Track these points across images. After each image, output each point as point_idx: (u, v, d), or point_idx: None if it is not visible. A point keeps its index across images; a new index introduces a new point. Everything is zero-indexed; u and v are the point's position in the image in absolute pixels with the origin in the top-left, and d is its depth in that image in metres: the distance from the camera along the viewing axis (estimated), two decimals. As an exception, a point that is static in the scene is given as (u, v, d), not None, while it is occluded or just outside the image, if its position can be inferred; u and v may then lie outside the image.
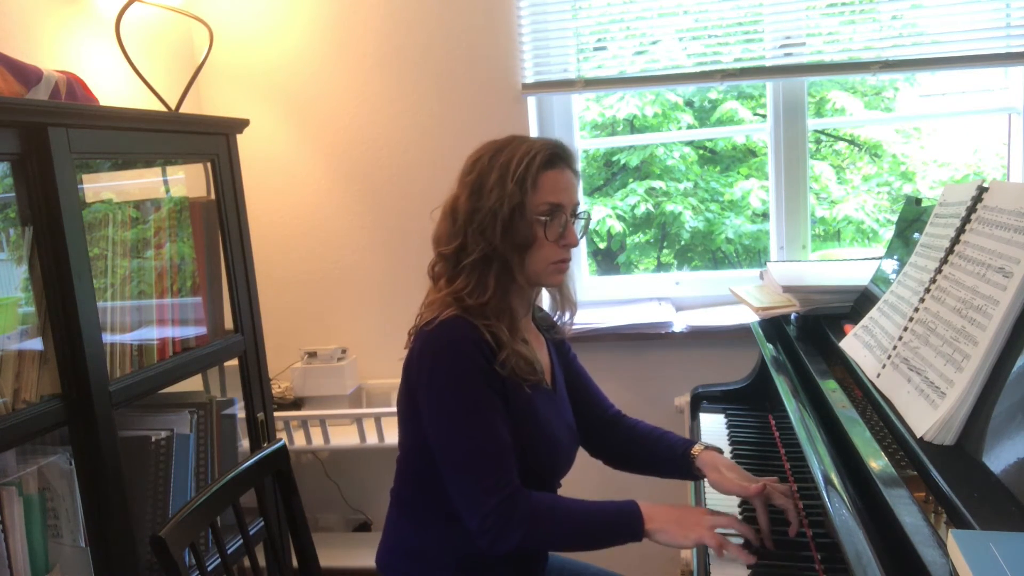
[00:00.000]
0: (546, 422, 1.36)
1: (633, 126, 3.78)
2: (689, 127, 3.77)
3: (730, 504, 1.43)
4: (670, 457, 1.46)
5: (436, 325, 1.28)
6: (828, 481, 1.05)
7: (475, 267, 1.31)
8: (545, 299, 1.64)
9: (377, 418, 2.31)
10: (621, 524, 1.25)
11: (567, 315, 1.52)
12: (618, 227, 3.73)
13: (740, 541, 1.23)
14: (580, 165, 1.42)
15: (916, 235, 1.44)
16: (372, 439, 2.33)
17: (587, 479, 1.71)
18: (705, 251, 3.93)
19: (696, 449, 1.42)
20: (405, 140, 2.47)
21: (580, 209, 1.39)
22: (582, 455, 1.53)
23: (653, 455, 1.49)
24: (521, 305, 1.40)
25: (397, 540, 1.41)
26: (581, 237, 1.39)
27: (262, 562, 1.86)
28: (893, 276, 1.49)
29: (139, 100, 2.13)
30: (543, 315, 1.55)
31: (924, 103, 3.59)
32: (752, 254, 3.82)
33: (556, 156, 1.34)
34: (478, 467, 1.23)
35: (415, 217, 2.41)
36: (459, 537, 1.29)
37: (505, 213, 1.29)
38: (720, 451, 1.42)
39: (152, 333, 1.69)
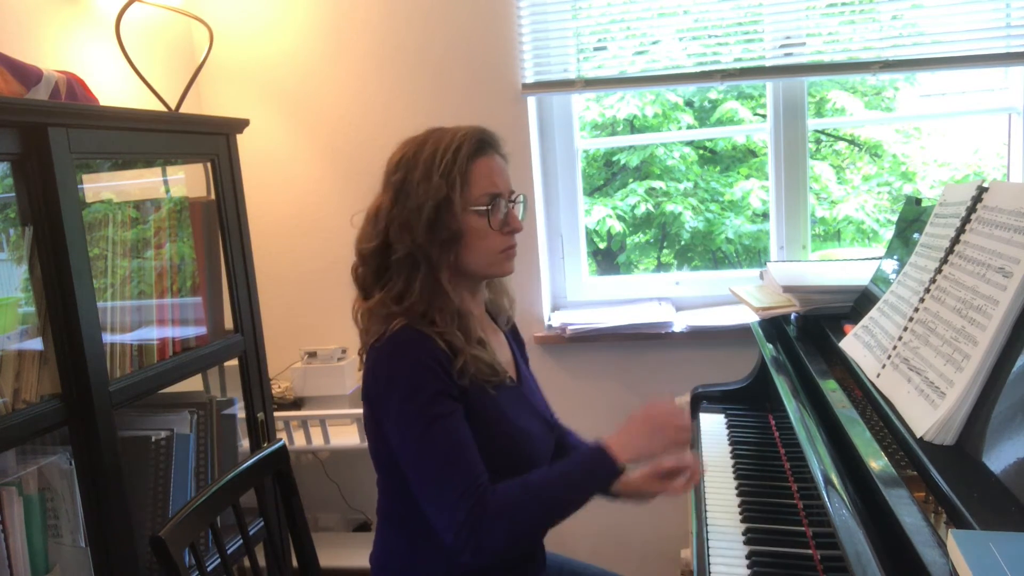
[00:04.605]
0: (516, 420, 1.32)
1: (633, 126, 3.78)
2: (689, 127, 3.77)
3: (730, 510, 1.43)
4: None
5: (386, 341, 1.23)
6: (828, 481, 1.05)
7: (400, 267, 1.27)
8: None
9: (377, 418, 2.31)
10: (595, 471, 1.24)
11: (507, 304, 1.48)
12: (618, 227, 3.73)
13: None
14: (506, 148, 1.36)
15: (916, 235, 1.44)
16: (372, 439, 2.33)
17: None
18: (705, 251, 3.94)
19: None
20: (405, 140, 2.47)
21: (515, 194, 1.34)
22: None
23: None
24: (474, 304, 1.37)
25: (388, 554, 1.38)
26: (521, 220, 1.35)
27: (262, 562, 1.86)
28: (893, 276, 1.49)
29: (139, 100, 2.13)
30: (493, 307, 1.48)
31: (924, 103, 3.59)
32: (752, 254, 3.82)
33: (483, 143, 1.30)
34: (442, 484, 1.19)
35: (415, 217, 2.40)
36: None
37: (430, 209, 1.24)
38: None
39: (152, 333, 1.69)
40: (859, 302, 1.62)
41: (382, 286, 1.29)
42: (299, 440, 2.37)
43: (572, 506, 1.24)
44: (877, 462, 1.03)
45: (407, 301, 1.26)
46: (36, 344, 1.38)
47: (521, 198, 1.36)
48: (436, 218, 1.25)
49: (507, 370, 1.37)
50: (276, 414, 2.20)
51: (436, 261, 1.27)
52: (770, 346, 1.68)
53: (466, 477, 1.19)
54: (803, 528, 1.31)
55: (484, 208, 1.28)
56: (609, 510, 1.50)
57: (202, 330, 1.85)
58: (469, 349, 1.26)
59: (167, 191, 1.97)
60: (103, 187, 1.77)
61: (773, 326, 1.79)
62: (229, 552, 1.46)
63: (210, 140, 1.87)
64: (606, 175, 4.05)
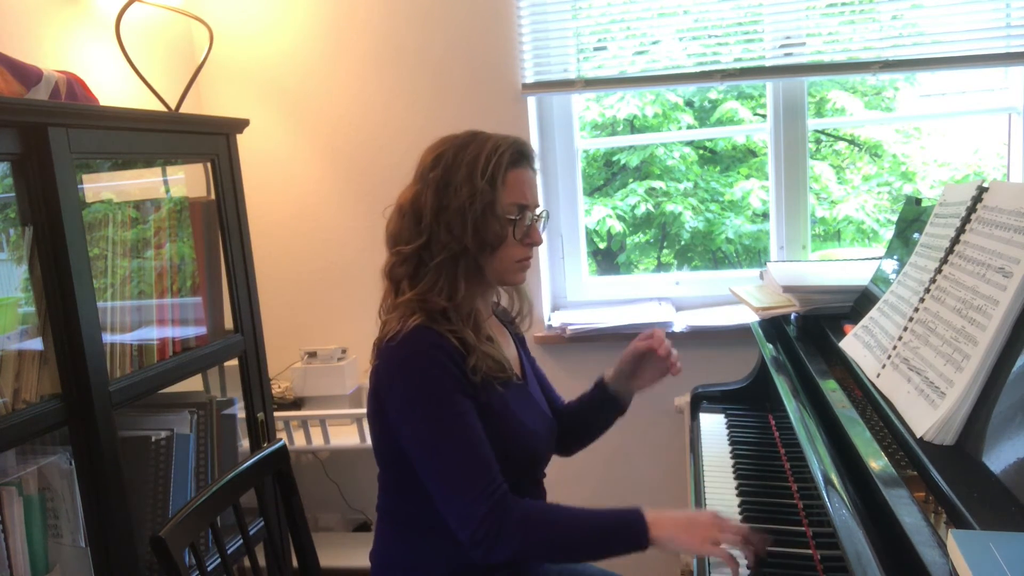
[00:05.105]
0: (523, 416, 1.34)
1: (633, 126, 3.78)
2: (689, 127, 3.77)
3: (730, 510, 1.43)
4: (592, 398, 1.55)
5: (400, 339, 1.24)
6: (828, 481, 1.05)
7: (443, 267, 1.28)
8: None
9: (377, 418, 2.30)
10: (623, 532, 1.19)
11: (524, 312, 1.50)
12: (618, 227, 3.73)
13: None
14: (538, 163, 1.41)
15: (916, 235, 1.44)
16: (372, 439, 2.33)
17: (580, 485, 1.71)
18: (705, 251, 3.93)
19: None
20: (405, 140, 2.47)
21: (540, 208, 1.38)
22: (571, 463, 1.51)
23: (584, 412, 1.55)
24: (485, 305, 1.40)
25: (389, 554, 1.38)
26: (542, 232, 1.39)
27: (262, 562, 1.86)
28: (893, 276, 1.49)
29: (139, 100, 2.13)
30: (501, 310, 1.52)
31: (924, 103, 3.59)
32: (752, 254, 3.82)
33: (521, 154, 1.33)
34: (463, 479, 1.19)
35: (415, 217, 2.40)
36: (451, 546, 1.25)
37: (477, 211, 1.26)
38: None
39: (152, 333, 1.69)
40: (859, 302, 1.62)
41: (415, 282, 1.30)
42: (299, 440, 2.37)
43: (584, 555, 1.23)
44: (877, 462, 1.03)
45: (446, 298, 1.27)
46: (36, 344, 1.38)
47: (545, 214, 1.39)
48: (482, 220, 1.27)
49: (514, 366, 1.38)
50: (276, 414, 2.20)
51: (479, 261, 1.30)
52: (770, 346, 1.68)
53: (485, 474, 1.19)
54: (803, 528, 1.31)
55: (512, 218, 1.30)
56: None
57: (202, 330, 1.85)
58: (480, 346, 1.27)
59: (167, 191, 1.97)
60: (103, 187, 1.76)
61: (773, 326, 1.79)
62: (229, 552, 1.46)
63: (210, 140, 1.86)
64: (606, 175, 4.05)
